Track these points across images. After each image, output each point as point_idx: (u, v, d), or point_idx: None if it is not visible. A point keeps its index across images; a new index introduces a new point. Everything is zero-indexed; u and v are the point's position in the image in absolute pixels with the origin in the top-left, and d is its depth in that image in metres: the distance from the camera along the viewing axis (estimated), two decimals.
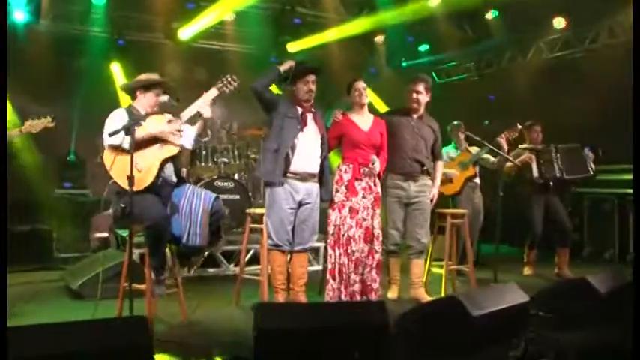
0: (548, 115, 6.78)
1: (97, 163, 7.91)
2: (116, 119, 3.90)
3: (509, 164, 5.70)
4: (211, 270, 6.07)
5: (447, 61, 9.57)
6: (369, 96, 4.84)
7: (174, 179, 4.14)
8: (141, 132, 3.75)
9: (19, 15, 7.05)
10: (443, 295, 5.04)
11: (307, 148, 4.37)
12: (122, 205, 3.85)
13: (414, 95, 4.80)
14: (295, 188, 4.33)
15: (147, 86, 4.08)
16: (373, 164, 4.57)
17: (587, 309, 3.77)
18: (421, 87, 4.80)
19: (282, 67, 4.41)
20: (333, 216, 4.61)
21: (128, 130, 3.41)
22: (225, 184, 6.47)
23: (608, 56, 7.38)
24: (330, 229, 4.63)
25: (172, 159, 4.02)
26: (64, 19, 7.76)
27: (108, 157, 3.89)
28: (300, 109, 4.42)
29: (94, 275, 4.72)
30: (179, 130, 3.92)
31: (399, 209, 4.85)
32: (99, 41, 7.91)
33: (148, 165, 3.87)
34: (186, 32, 7.46)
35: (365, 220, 4.62)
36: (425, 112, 4.94)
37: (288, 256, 4.54)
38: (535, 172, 6.26)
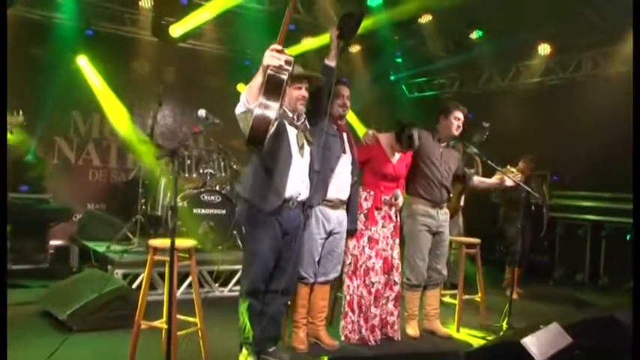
0: (522, 139, 6.84)
1: (56, 164, 7.47)
2: None
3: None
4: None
5: (429, 74, 9.49)
6: None
7: (305, 194, 3.60)
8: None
9: None
10: (455, 327, 4.89)
11: (343, 172, 4.04)
12: None
13: (457, 124, 4.58)
14: (327, 216, 3.99)
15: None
16: (396, 199, 4.38)
17: (616, 346, 3.75)
18: (462, 116, 4.60)
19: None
20: (351, 245, 4.36)
21: (175, 152, 2.94)
22: (212, 197, 5.98)
23: (589, 86, 7.57)
24: (348, 259, 4.37)
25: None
26: (25, 3, 6.94)
27: None
28: (335, 127, 4.08)
29: (85, 304, 4.17)
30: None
31: (429, 239, 4.62)
32: (64, 30, 7.12)
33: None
34: (179, 29, 6.86)
35: (384, 250, 4.41)
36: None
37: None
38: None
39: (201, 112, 3.33)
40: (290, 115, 3.51)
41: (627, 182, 6.79)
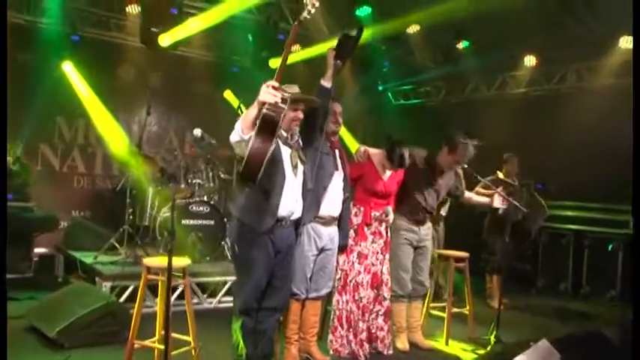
0: (507, 149, 6.88)
1: (40, 171, 7.35)
2: None
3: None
4: (184, 302, 5.53)
5: (415, 83, 9.54)
6: None
7: (298, 213, 3.59)
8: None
9: None
10: (444, 340, 4.94)
11: (335, 189, 4.04)
12: None
13: (457, 165, 4.64)
14: (319, 233, 3.99)
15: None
16: (387, 216, 4.43)
17: None
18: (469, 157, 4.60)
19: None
20: (341, 260, 4.39)
21: (173, 177, 2.92)
22: (201, 208, 5.94)
23: (574, 98, 7.68)
24: (337, 274, 4.40)
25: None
26: (10, 7, 6.80)
27: None
28: (328, 144, 4.09)
29: (75, 320, 4.12)
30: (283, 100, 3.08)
31: (410, 252, 4.70)
32: (50, 35, 7.02)
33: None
34: (168, 39, 6.79)
35: (374, 265, 4.46)
36: None
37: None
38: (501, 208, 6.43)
39: (197, 132, 3.32)
40: (284, 134, 3.51)
41: (610, 192, 7.04)
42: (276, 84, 3.01)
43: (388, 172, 4.44)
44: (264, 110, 2.94)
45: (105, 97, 7.49)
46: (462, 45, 8.07)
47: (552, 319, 6.19)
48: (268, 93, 2.97)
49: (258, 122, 2.97)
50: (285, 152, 3.51)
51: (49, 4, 6.94)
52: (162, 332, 3.48)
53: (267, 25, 7.18)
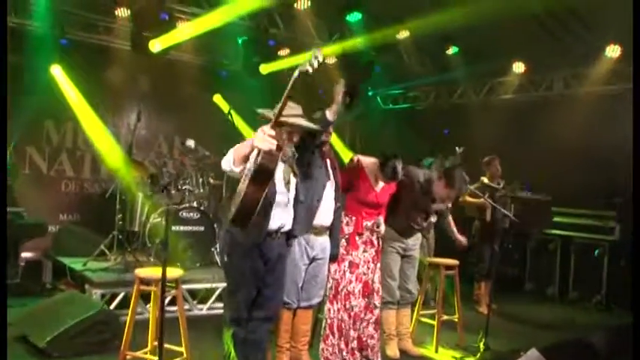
0: (495, 154, 6.94)
1: (27, 174, 7.28)
2: None
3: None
4: (174, 309, 5.51)
5: (404, 87, 9.58)
6: None
7: (289, 225, 3.56)
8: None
9: None
10: (434, 347, 4.97)
11: (326, 199, 4.04)
12: None
13: (452, 197, 4.71)
14: (310, 243, 4.00)
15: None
16: (378, 227, 4.46)
17: None
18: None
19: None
20: (332, 269, 4.41)
21: (166, 188, 2.92)
22: (191, 214, 5.91)
23: (561, 105, 7.77)
24: (329, 283, 4.41)
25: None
26: None
27: None
28: (319, 155, 4.08)
29: (66, 329, 4.09)
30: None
31: (397, 260, 4.78)
32: (38, 38, 6.93)
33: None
34: (158, 45, 6.75)
35: (365, 274, 4.48)
36: None
37: None
38: (488, 216, 6.52)
39: (190, 143, 3.32)
40: None
41: (597, 199, 7.14)
42: (273, 132, 2.96)
43: (381, 183, 4.46)
44: (259, 159, 2.92)
45: (94, 100, 7.43)
46: (451, 51, 8.12)
47: (540, 325, 6.26)
48: (264, 140, 2.91)
49: (252, 170, 2.95)
50: (278, 168, 3.50)
51: (37, 6, 6.84)
52: (155, 343, 3.48)
53: (257, 30, 7.16)
